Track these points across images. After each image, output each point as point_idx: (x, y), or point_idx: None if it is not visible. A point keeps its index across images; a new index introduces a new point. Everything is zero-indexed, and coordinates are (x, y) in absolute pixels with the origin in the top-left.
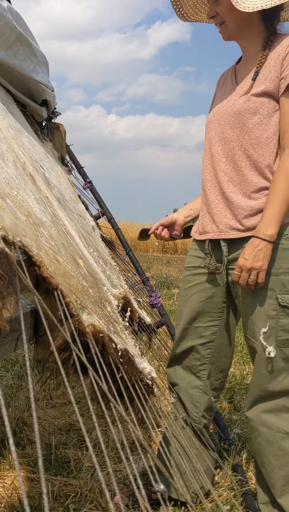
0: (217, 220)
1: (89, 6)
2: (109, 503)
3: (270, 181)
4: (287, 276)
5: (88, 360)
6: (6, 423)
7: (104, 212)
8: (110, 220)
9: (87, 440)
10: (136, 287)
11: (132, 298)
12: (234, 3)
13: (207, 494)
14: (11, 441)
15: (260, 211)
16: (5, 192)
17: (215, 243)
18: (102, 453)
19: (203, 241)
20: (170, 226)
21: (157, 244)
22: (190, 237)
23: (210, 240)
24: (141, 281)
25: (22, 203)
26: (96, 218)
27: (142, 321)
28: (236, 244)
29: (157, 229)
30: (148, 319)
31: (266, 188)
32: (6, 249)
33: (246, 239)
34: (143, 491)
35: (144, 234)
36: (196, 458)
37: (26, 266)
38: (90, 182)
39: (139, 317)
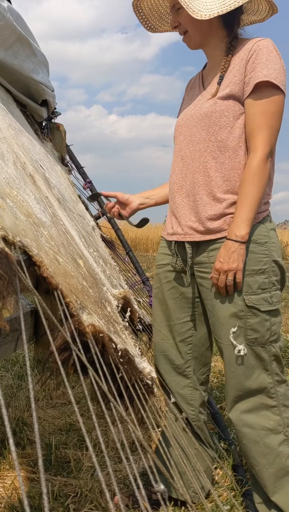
0: (182, 223)
1: (91, 6)
2: (109, 503)
3: (234, 184)
4: (252, 277)
5: (88, 360)
6: (6, 423)
7: (104, 212)
8: (110, 220)
9: (87, 440)
10: (136, 287)
11: (132, 298)
12: (190, 13)
13: (207, 494)
14: (11, 441)
15: (224, 214)
16: (5, 192)
17: (181, 244)
18: (102, 453)
19: (170, 240)
20: (122, 204)
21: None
22: (141, 226)
23: (176, 241)
24: (141, 281)
25: (22, 203)
26: (96, 218)
27: (143, 321)
28: (201, 246)
29: (110, 203)
30: (148, 319)
31: (231, 191)
32: (6, 249)
33: (210, 242)
34: (143, 491)
35: (96, 195)
36: (195, 458)
37: (26, 266)
38: (90, 182)
39: (139, 317)
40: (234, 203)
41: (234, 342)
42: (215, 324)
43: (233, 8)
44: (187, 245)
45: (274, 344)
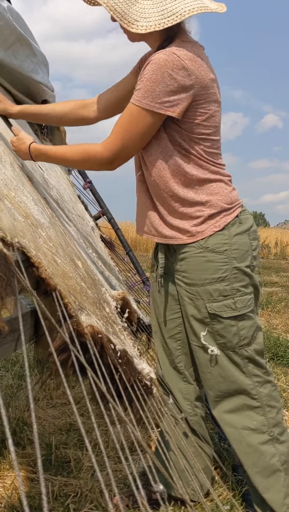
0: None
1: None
2: (109, 504)
3: (175, 196)
4: (212, 285)
5: (87, 361)
6: (5, 423)
7: (104, 212)
8: (111, 220)
9: (86, 441)
10: (136, 287)
11: (131, 299)
12: (125, 26)
13: (207, 494)
14: (10, 441)
15: (173, 223)
16: (3, 194)
17: (161, 248)
18: (102, 453)
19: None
20: None
21: None
22: None
23: (157, 246)
24: (141, 281)
25: (20, 205)
26: (96, 218)
27: (142, 322)
28: (176, 254)
29: None
30: (147, 319)
31: (175, 208)
32: (5, 250)
33: (181, 249)
34: (142, 492)
35: None
36: (194, 457)
37: (25, 267)
38: (90, 182)
39: (138, 318)
40: (193, 203)
41: (206, 344)
42: (187, 327)
43: (171, 24)
44: (160, 253)
45: (246, 347)
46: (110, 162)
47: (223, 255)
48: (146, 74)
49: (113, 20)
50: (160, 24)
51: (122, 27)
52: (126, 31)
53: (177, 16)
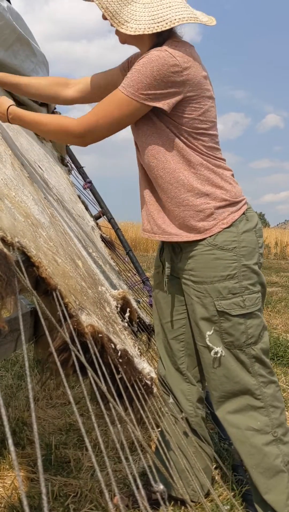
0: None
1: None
2: (109, 503)
3: (182, 186)
4: (221, 283)
5: (87, 360)
6: (5, 423)
7: (104, 212)
8: (110, 220)
9: (87, 440)
10: (136, 287)
11: (131, 298)
12: (115, 26)
13: (207, 494)
14: (10, 441)
15: (179, 220)
16: (3, 193)
17: (167, 249)
18: (102, 453)
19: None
20: None
21: None
22: None
23: (162, 248)
24: (141, 281)
25: (20, 204)
26: (96, 218)
27: (142, 321)
28: (182, 253)
29: None
30: (148, 319)
31: (176, 197)
32: (5, 250)
33: (189, 248)
34: (142, 491)
35: None
36: (194, 457)
37: (25, 267)
38: (90, 182)
39: (138, 317)
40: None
41: (210, 345)
42: (194, 327)
43: (160, 30)
44: (166, 253)
45: (253, 346)
46: (81, 136)
47: (232, 252)
48: (136, 65)
49: (104, 18)
50: (149, 28)
51: (113, 26)
52: (117, 32)
53: (166, 23)
